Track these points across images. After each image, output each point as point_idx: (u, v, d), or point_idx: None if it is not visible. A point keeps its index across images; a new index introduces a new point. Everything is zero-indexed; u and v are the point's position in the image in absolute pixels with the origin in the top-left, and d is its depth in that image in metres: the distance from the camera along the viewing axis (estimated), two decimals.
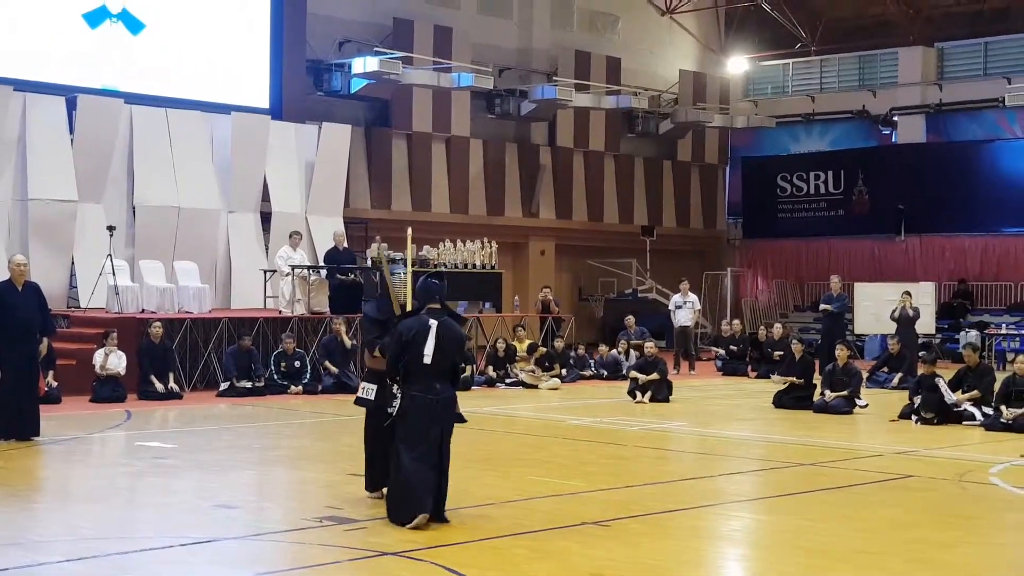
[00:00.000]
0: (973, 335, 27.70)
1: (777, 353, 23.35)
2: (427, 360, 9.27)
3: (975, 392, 16.58)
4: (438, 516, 9.22)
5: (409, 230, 10.40)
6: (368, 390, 9.95)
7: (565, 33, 34.45)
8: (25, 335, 13.75)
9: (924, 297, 27.10)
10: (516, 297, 28.10)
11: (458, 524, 9.23)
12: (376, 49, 28.30)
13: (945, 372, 17.76)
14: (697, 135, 37.31)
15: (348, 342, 20.58)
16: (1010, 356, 22.02)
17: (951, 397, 16.67)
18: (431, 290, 9.55)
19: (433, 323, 9.35)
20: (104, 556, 8.21)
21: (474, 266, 24.66)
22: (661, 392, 19.42)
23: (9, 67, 22.99)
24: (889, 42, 36.17)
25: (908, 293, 23.81)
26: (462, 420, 9.67)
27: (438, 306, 9.52)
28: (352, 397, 19.26)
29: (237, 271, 24.63)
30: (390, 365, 9.48)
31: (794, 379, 18.69)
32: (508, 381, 22.22)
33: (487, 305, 25.21)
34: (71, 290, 22.37)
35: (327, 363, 20.37)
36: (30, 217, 22.10)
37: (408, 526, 9.00)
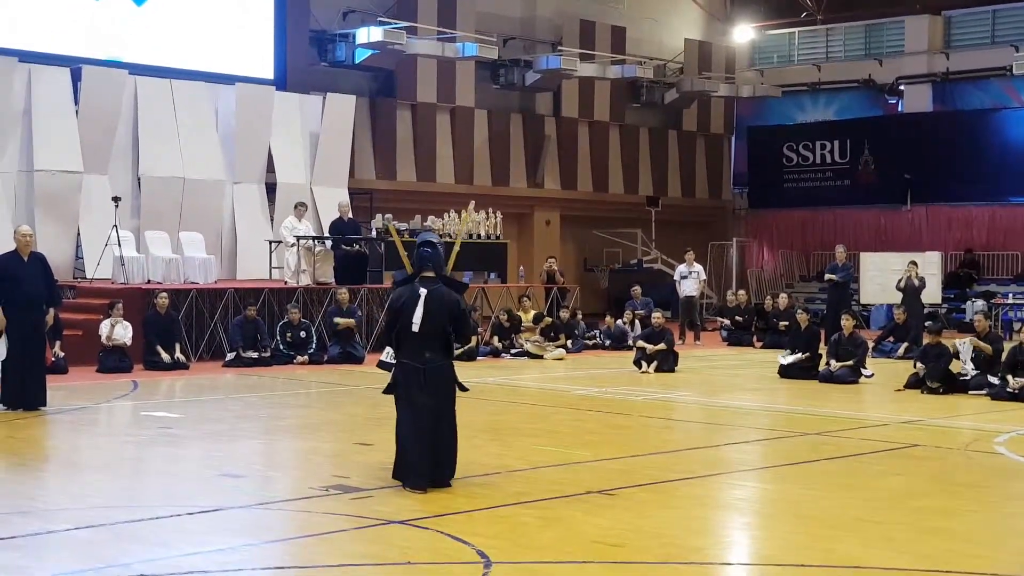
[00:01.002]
0: (980, 305, 27.67)
1: (783, 323, 23.36)
2: (415, 328, 9.34)
3: (988, 347, 16.58)
4: (437, 482, 9.32)
5: (471, 204, 10.43)
6: (390, 354, 9.91)
7: (570, 2, 34.27)
8: (31, 306, 13.77)
9: (930, 267, 27.09)
10: (521, 267, 28.10)
11: (464, 493, 9.26)
12: (380, 19, 28.20)
13: (952, 342, 17.73)
14: (702, 105, 37.19)
15: (343, 322, 20.51)
16: (1016, 326, 22.00)
17: (966, 358, 16.69)
18: (423, 258, 9.60)
19: (423, 291, 9.41)
20: (112, 524, 8.24)
21: (479, 237, 24.64)
22: (667, 362, 19.42)
23: (14, 38, 22.96)
24: (895, 10, 36.02)
25: (914, 263, 23.78)
26: (463, 388, 9.70)
27: (431, 274, 9.56)
28: (356, 367, 19.41)
29: (242, 242, 24.62)
30: (385, 332, 9.53)
31: (800, 355, 18.65)
32: (513, 351, 22.24)
33: (492, 275, 25.23)
34: (77, 261, 22.39)
35: (336, 319, 20.41)
36: (36, 188, 22.10)
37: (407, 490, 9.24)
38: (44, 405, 13.80)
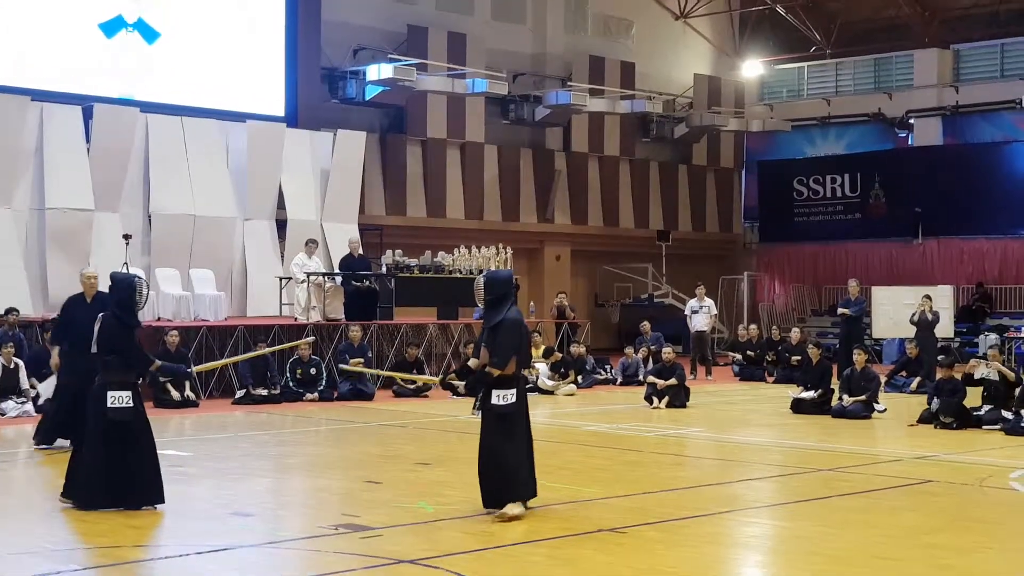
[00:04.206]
0: (992, 338, 27.54)
1: (795, 358, 23.28)
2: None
3: (1011, 373, 16.49)
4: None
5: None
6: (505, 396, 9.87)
7: (579, 38, 34.44)
8: (85, 346, 13.81)
9: (942, 300, 26.97)
10: (532, 303, 28.07)
11: (474, 531, 9.21)
12: (390, 56, 28.34)
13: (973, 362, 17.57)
14: (712, 139, 37.25)
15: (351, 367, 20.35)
16: None
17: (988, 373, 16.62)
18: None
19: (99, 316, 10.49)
20: (121, 564, 8.20)
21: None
22: (678, 398, 19.34)
23: (26, 77, 23.10)
24: (904, 44, 36.12)
25: (928, 297, 23.67)
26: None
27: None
28: (366, 404, 19.37)
29: (253, 279, 24.64)
30: None
31: (813, 393, 18.58)
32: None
33: None
34: None
35: (343, 365, 20.30)
36: (47, 226, 22.16)
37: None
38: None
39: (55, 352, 14.00)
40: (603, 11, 35.32)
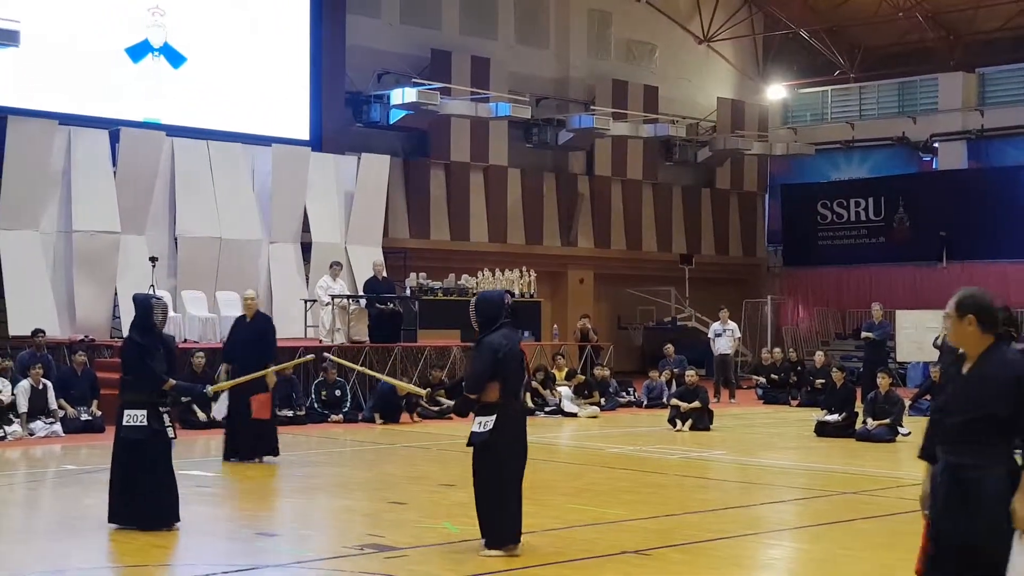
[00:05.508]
0: None
1: (819, 381, 23.23)
2: None
3: None
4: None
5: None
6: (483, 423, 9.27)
7: (602, 62, 34.55)
8: (243, 363, 14.31)
9: None
10: (555, 326, 28.09)
11: (500, 552, 9.21)
12: (414, 80, 28.49)
13: None
14: (736, 163, 37.24)
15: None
16: None
17: None
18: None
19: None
20: None
21: (513, 295, 24.68)
22: (702, 420, 19.33)
23: (54, 101, 23.31)
24: (929, 68, 36.07)
25: None
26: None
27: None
28: (391, 426, 19.38)
29: (278, 301, 24.73)
30: None
31: (837, 416, 18.53)
32: (547, 409, 22.19)
33: (526, 334, 25.24)
34: (114, 320, 22.52)
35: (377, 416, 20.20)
36: (74, 249, 22.33)
37: None
38: (263, 456, 14.55)
39: (222, 370, 14.81)
40: (626, 35, 35.43)
